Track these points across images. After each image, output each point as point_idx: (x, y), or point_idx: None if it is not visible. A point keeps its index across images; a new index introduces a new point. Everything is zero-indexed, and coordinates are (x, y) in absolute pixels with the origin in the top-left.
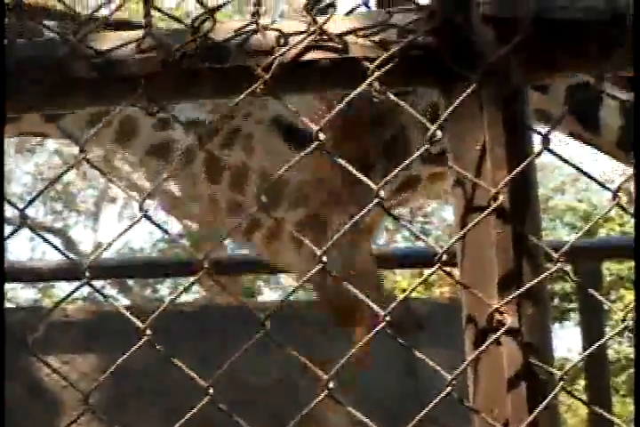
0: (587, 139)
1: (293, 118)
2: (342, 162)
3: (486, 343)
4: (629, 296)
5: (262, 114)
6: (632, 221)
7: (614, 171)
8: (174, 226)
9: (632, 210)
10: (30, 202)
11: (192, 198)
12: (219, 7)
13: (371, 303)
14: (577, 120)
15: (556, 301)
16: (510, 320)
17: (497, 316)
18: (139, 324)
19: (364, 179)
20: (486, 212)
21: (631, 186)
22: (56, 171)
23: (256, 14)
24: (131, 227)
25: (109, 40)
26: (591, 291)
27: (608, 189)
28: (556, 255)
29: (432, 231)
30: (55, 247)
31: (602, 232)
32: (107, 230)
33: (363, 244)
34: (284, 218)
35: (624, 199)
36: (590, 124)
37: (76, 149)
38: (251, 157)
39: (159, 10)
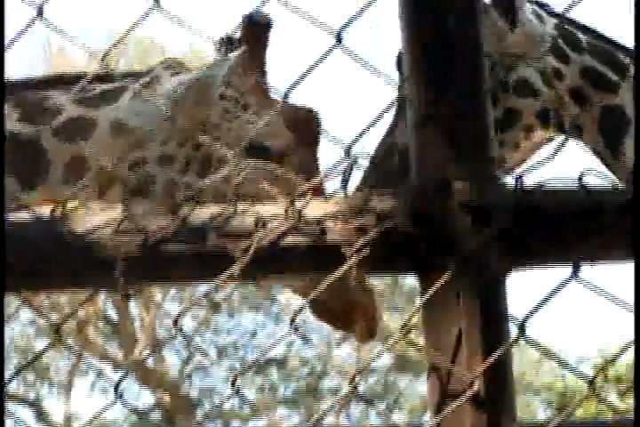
0: (606, 160)
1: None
2: None
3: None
4: None
5: (232, 135)
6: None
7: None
8: (147, 398)
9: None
10: (10, 380)
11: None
12: (199, 188)
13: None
14: (603, 139)
15: None
16: None
17: None
18: None
19: None
20: (462, 399)
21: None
22: (29, 341)
23: (235, 197)
24: (103, 411)
25: (88, 221)
26: None
27: (585, 376)
28: None
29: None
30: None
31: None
32: (79, 402)
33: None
34: None
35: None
36: (613, 147)
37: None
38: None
39: None
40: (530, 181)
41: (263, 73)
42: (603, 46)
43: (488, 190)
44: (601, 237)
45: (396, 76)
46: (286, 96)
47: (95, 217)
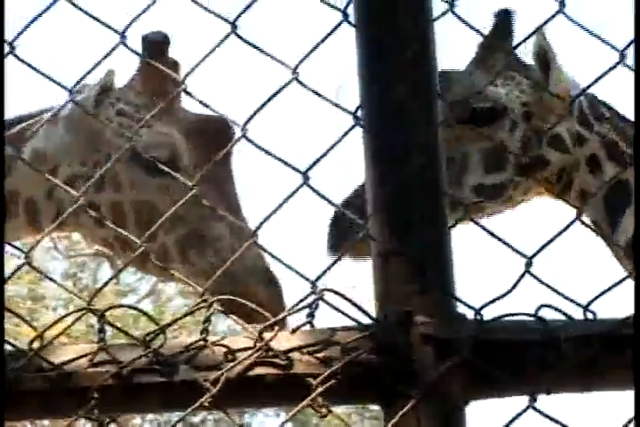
0: (603, 232)
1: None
2: None
3: None
4: None
5: (119, 142)
6: None
7: None
8: None
9: None
10: None
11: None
12: (170, 323)
13: None
14: (605, 211)
15: None
16: None
17: None
18: None
19: None
20: None
21: None
22: None
23: (205, 331)
24: None
25: (65, 353)
26: None
27: None
28: None
29: None
30: None
31: None
32: None
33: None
34: (164, 242)
35: None
36: (612, 219)
37: None
38: (120, 193)
39: None
40: (489, 314)
41: (175, 84)
42: (619, 122)
43: (449, 323)
44: (557, 369)
45: None
46: (244, 128)
47: (71, 348)
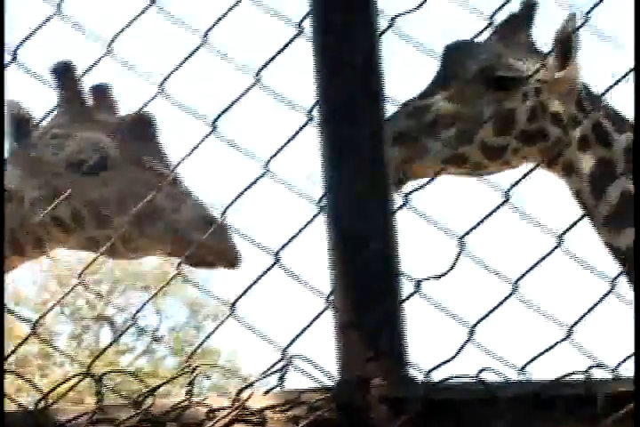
0: (587, 203)
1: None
2: None
3: None
4: None
5: (56, 159)
6: None
7: None
8: None
9: None
10: None
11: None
12: (158, 386)
13: None
14: (590, 184)
15: None
16: None
17: None
18: None
19: None
20: None
21: None
22: None
23: (189, 392)
24: None
25: (67, 412)
26: None
27: None
28: None
29: None
30: None
31: None
32: None
33: None
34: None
35: None
36: (597, 193)
37: None
38: (72, 200)
39: None
40: (437, 376)
41: (82, 103)
42: (612, 111)
43: (402, 384)
44: (495, 424)
45: None
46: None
47: (72, 408)
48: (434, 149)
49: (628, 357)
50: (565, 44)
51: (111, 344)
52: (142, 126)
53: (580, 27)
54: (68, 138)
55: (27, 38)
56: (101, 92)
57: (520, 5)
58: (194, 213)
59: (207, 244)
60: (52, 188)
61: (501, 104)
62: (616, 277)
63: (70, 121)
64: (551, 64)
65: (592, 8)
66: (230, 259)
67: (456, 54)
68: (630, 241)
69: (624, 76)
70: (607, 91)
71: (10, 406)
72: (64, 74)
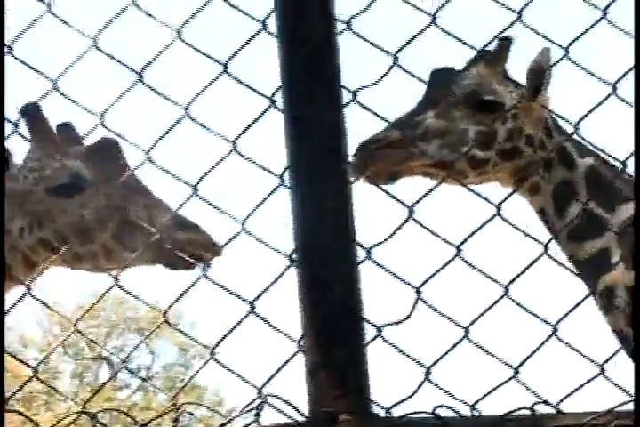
0: (550, 219)
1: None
2: None
3: None
4: None
5: (35, 189)
6: None
7: None
8: None
9: None
10: None
11: None
12: (147, 423)
13: None
14: (553, 202)
15: None
16: None
17: None
18: None
19: None
20: None
21: None
22: None
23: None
24: None
25: None
26: None
27: None
28: None
29: None
30: None
31: None
32: None
33: None
34: (103, 241)
35: None
36: (560, 211)
37: None
38: (56, 222)
39: None
40: (397, 412)
41: (52, 138)
42: (575, 140)
43: (366, 420)
44: None
45: None
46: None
47: None
48: (429, 152)
49: (569, 394)
50: (538, 76)
51: (108, 382)
52: (107, 150)
53: (556, 63)
54: (43, 169)
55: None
56: (66, 128)
57: (497, 41)
58: (168, 218)
59: (190, 240)
60: (35, 214)
61: (484, 124)
62: (558, 322)
63: (43, 154)
64: (525, 93)
65: (572, 42)
66: (213, 248)
67: (441, 78)
68: (589, 254)
69: (598, 105)
70: (582, 118)
71: None
72: (32, 115)
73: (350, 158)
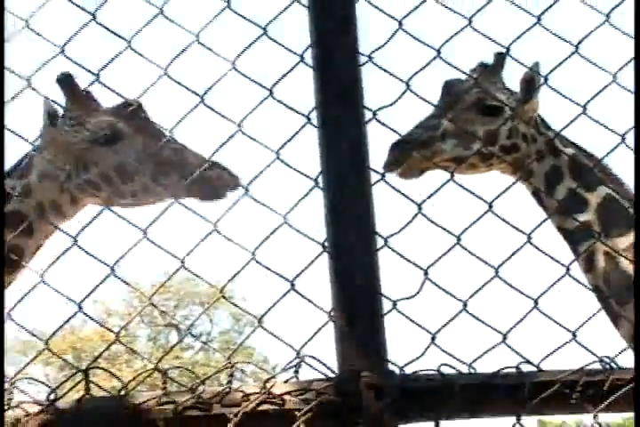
0: (542, 198)
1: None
2: None
3: None
4: None
5: (77, 140)
6: None
7: None
8: None
9: None
10: None
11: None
12: (207, 378)
13: None
14: (545, 184)
15: None
16: None
17: None
18: None
19: None
20: None
21: None
22: None
23: (229, 382)
24: None
25: (141, 397)
26: None
27: None
28: None
29: None
30: None
31: None
32: None
33: None
34: (143, 181)
35: None
36: (551, 190)
37: None
38: (100, 167)
39: None
40: (409, 369)
41: (85, 101)
42: (556, 132)
43: (383, 376)
44: (451, 404)
45: None
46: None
47: (146, 393)
48: (447, 150)
49: (548, 355)
50: (529, 85)
51: (176, 344)
52: (136, 109)
53: (545, 79)
54: (83, 124)
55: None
56: (88, 95)
57: (494, 55)
58: (196, 159)
59: (216, 176)
60: (81, 160)
61: (489, 125)
62: (538, 297)
63: (80, 113)
64: (519, 98)
65: (557, 65)
66: (236, 181)
67: (453, 87)
68: (574, 225)
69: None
70: (566, 126)
71: (100, 393)
72: (67, 82)
73: (385, 156)
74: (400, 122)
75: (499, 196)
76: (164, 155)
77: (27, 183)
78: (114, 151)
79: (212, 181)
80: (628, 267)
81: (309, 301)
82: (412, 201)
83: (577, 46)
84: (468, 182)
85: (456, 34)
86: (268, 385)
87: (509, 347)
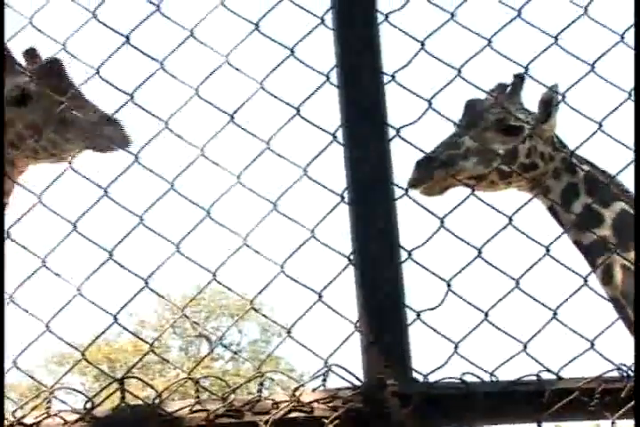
0: (558, 213)
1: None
2: None
3: None
4: None
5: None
6: None
7: None
8: None
9: None
10: None
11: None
12: (238, 387)
13: None
14: (561, 199)
15: None
16: None
17: None
18: None
19: None
20: None
21: None
22: None
23: (260, 391)
24: None
25: (174, 405)
26: None
27: None
28: None
29: None
30: None
31: None
32: None
33: None
34: (49, 136)
35: None
36: (567, 206)
37: None
38: (14, 126)
39: None
40: (432, 378)
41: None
42: (572, 150)
43: (408, 384)
44: (473, 411)
45: None
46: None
47: (178, 402)
48: (468, 168)
49: (567, 363)
50: (548, 105)
51: (208, 355)
52: (55, 67)
53: (562, 98)
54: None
55: None
56: (31, 52)
57: (513, 77)
58: (96, 116)
59: (111, 133)
60: (7, 121)
61: (509, 144)
62: (557, 307)
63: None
64: (537, 118)
65: (570, 87)
66: (127, 140)
67: (474, 107)
68: (591, 239)
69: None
70: (583, 143)
71: (136, 401)
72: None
73: (410, 173)
74: (421, 138)
75: (519, 209)
76: (67, 112)
77: None
78: (25, 111)
79: (106, 136)
80: None
81: (336, 312)
82: (435, 215)
83: (593, 65)
84: (486, 199)
85: (476, 54)
86: (297, 393)
87: (529, 356)
